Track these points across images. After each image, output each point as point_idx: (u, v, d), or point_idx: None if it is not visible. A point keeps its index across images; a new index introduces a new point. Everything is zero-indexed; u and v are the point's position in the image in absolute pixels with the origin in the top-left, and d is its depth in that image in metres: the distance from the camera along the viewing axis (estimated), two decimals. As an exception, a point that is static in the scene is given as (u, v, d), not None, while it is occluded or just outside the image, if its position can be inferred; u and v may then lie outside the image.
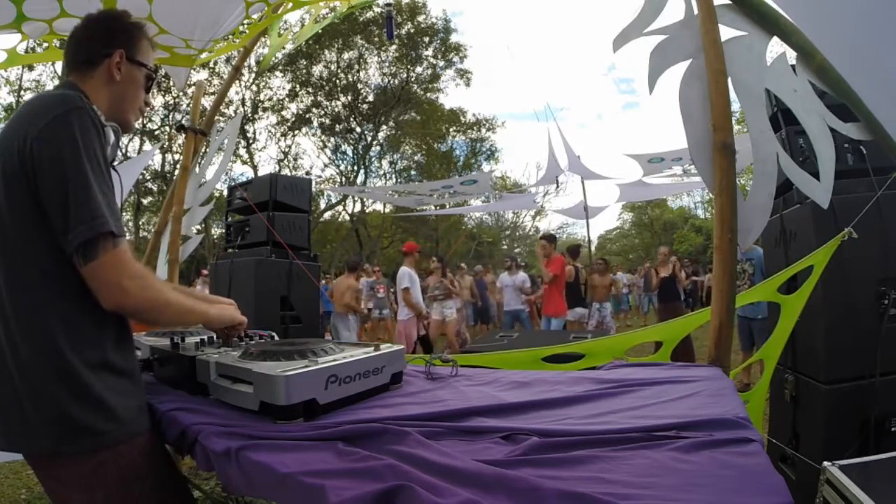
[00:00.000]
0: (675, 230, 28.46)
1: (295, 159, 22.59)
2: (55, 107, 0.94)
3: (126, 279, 0.92)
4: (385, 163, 24.77)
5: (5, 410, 0.92)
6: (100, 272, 0.91)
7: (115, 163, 1.12)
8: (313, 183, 7.22)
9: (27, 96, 15.93)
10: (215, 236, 18.52)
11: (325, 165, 23.50)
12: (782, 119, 2.09)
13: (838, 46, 1.44)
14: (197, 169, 3.30)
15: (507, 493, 0.66)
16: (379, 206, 22.85)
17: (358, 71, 21.69)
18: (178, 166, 7.08)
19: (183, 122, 3.19)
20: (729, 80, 1.49)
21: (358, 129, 22.59)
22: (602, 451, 0.79)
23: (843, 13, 1.36)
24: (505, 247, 29.59)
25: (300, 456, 0.81)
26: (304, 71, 20.94)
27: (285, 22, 4.79)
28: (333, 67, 21.35)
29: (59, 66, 1.21)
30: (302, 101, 21.63)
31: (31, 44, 2.48)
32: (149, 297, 0.96)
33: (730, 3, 1.54)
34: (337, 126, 22.24)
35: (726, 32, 1.52)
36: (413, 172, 24.32)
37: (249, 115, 20.37)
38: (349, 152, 23.51)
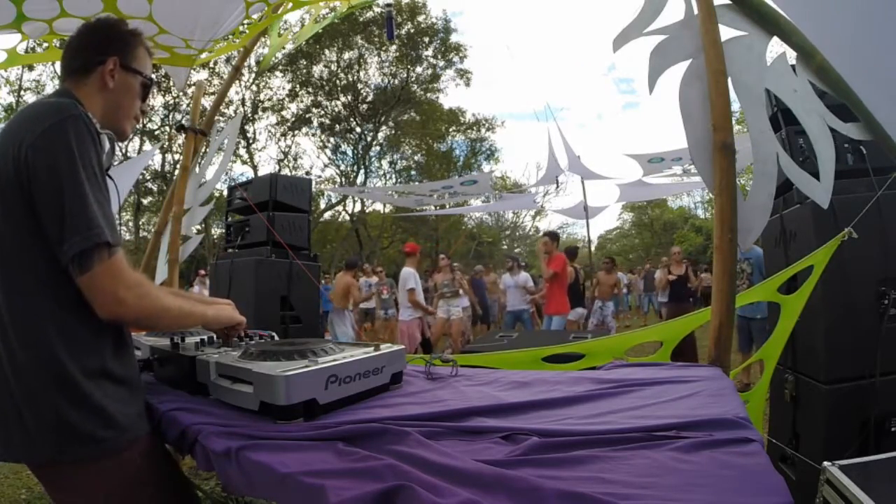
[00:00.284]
0: (675, 230, 28.44)
1: (295, 159, 22.63)
2: (50, 115, 0.93)
3: (122, 289, 0.92)
4: (385, 163, 24.81)
5: (4, 419, 0.91)
6: (95, 283, 0.90)
7: (115, 163, 1.13)
8: (313, 183, 7.23)
9: (27, 96, 15.95)
10: (215, 236, 18.53)
11: (325, 165, 23.55)
12: (782, 119, 2.09)
13: (838, 47, 1.44)
14: (197, 169, 3.30)
15: (507, 493, 0.66)
16: (379, 206, 22.85)
17: (358, 71, 21.70)
18: (178, 166, 7.08)
19: (183, 122, 3.19)
20: (729, 80, 1.49)
21: (358, 129, 22.60)
22: (602, 451, 0.79)
23: (843, 13, 1.36)
24: (505, 247, 29.59)
25: (300, 456, 0.81)
26: (304, 71, 20.94)
27: (285, 22, 4.79)
28: (333, 67, 21.36)
29: (59, 66, 1.21)
30: (302, 101, 21.66)
31: (31, 44, 2.49)
32: (146, 306, 0.96)
33: (730, 3, 1.54)
34: (337, 126, 22.24)
35: (726, 32, 1.52)
36: (413, 172, 24.33)
37: (249, 115, 20.37)
38: (349, 152, 23.55)
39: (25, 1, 1.99)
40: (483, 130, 24.56)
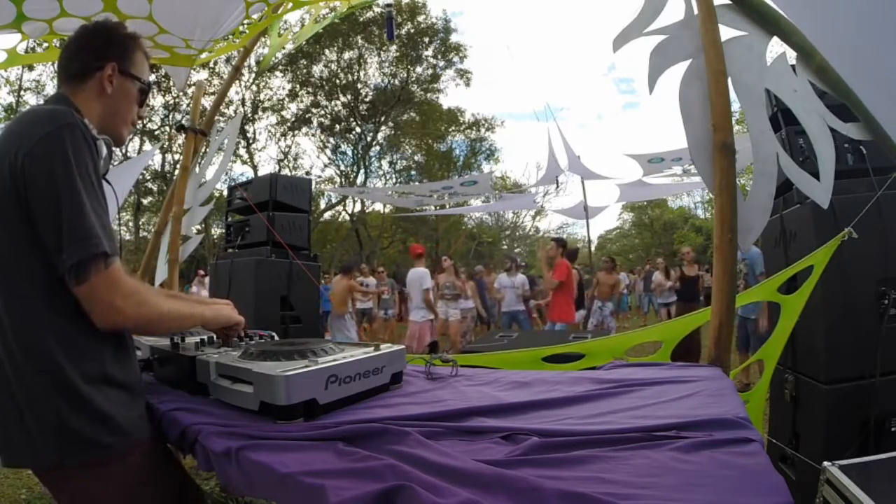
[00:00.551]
0: (675, 230, 28.44)
1: (295, 159, 22.62)
2: (46, 123, 0.93)
3: (119, 299, 0.92)
4: (385, 163, 24.81)
5: (7, 425, 0.91)
6: (92, 293, 0.90)
7: (115, 163, 1.12)
8: (313, 183, 7.25)
9: (27, 96, 15.94)
10: (215, 236, 18.53)
11: (325, 165, 23.54)
12: (782, 119, 2.09)
13: (838, 47, 1.44)
14: (197, 169, 3.30)
15: (507, 493, 0.66)
16: (379, 207, 22.84)
17: (358, 71, 21.70)
18: (178, 166, 7.08)
19: (183, 122, 3.19)
20: (729, 80, 1.49)
21: (358, 129, 22.60)
22: (602, 451, 0.79)
23: (843, 14, 1.36)
24: (505, 247, 29.59)
25: (300, 456, 0.81)
26: (304, 71, 20.94)
27: (285, 22, 4.79)
28: (333, 67, 21.35)
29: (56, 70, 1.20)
30: (302, 101, 21.65)
31: (31, 44, 2.49)
32: (143, 314, 0.96)
33: (730, 3, 1.54)
34: (337, 126, 22.24)
35: (726, 32, 1.52)
36: (413, 172, 24.33)
37: (249, 115, 20.36)
38: (349, 152, 23.55)
39: (25, 1, 1.99)
40: (483, 130, 24.58)
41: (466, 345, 6.49)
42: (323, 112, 22.07)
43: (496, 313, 9.93)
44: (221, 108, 4.20)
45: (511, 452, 0.80)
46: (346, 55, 21.31)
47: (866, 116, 1.54)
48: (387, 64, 21.99)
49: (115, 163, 2.13)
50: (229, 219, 4.47)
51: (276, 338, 1.49)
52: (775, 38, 1.55)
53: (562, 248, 6.11)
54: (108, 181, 1.06)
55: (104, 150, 1.04)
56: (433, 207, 11.81)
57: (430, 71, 22.54)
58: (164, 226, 3.24)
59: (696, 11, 1.54)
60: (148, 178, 19.33)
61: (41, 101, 1.35)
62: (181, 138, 3.60)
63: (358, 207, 23.37)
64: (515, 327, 7.34)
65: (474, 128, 24.42)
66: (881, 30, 1.29)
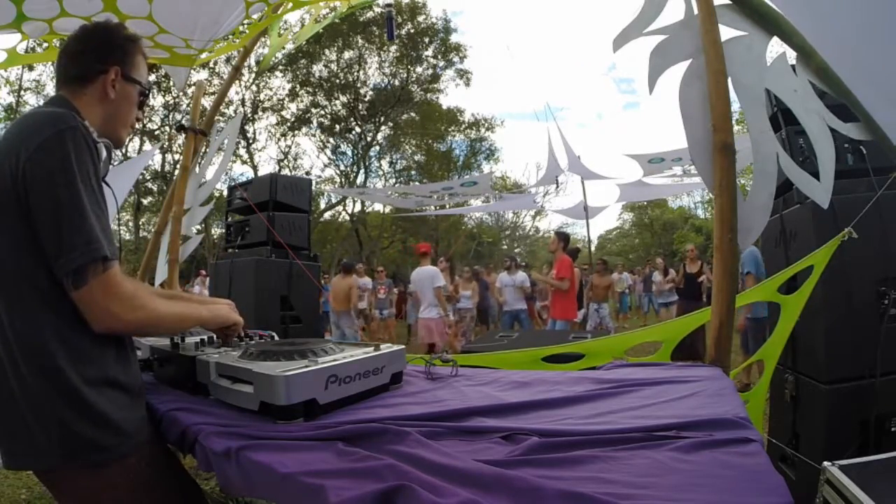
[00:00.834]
0: (675, 230, 28.45)
1: (295, 159, 22.61)
2: (47, 126, 0.92)
3: (115, 304, 0.92)
4: (385, 163, 24.82)
5: (10, 428, 0.92)
6: (89, 297, 0.90)
7: (115, 163, 1.12)
8: (313, 183, 7.26)
9: (27, 96, 15.94)
10: (215, 236, 18.53)
11: (325, 165, 23.54)
12: (782, 119, 2.09)
13: (837, 48, 1.44)
14: (197, 169, 3.30)
15: (507, 493, 0.66)
16: (379, 207, 22.84)
17: (358, 71, 21.70)
18: (178, 166, 7.08)
19: (183, 122, 3.19)
20: (729, 80, 1.49)
21: (358, 129, 22.60)
22: (602, 451, 0.79)
23: (842, 16, 1.35)
24: (505, 247, 29.59)
25: (300, 456, 0.81)
26: (304, 71, 20.94)
27: (285, 22, 4.79)
28: (333, 67, 21.35)
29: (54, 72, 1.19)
30: (302, 101, 21.65)
31: (31, 44, 2.48)
32: (139, 318, 0.96)
33: (730, 3, 1.54)
34: (337, 126, 22.24)
35: (726, 32, 1.52)
36: (413, 172, 24.33)
37: (249, 115, 20.36)
38: (349, 152, 23.55)
39: (25, 1, 1.99)
40: (483, 130, 24.58)
41: (466, 345, 6.48)
42: (323, 112, 22.08)
43: (496, 313, 9.94)
44: (221, 108, 4.20)
45: (511, 452, 0.80)
46: (346, 55, 21.31)
47: (866, 116, 1.54)
48: (387, 64, 21.99)
49: (115, 163, 2.14)
50: (229, 219, 4.47)
51: (276, 338, 1.49)
52: (775, 38, 1.55)
53: (563, 241, 6.04)
54: (107, 184, 1.06)
55: (104, 153, 1.04)
56: (433, 207, 11.81)
57: (430, 71, 22.54)
58: (164, 226, 3.24)
59: (696, 11, 1.54)
60: (148, 178, 19.33)
61: (41, 101, 1.35)
62: (181, 138, 3.60)
63: (358, 207, 23.37)
64: (516, 327, 7.34)
65: (474, 128, 24.43)
66: (881, 32, 1.28)
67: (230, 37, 3.21)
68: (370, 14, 19.13)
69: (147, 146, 18.82)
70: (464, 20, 67.40)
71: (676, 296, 7.73)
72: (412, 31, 21.24)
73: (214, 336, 1.33)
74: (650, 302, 13.35)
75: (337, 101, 22.03)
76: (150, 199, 20.27)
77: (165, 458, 1.09)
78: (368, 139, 22.95)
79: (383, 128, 23.30)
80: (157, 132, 18.90)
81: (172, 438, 1.01)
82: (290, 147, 22.39)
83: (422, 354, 1.57)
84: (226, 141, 3.73)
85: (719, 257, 1.43)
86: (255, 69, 17.89)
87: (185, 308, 1.15)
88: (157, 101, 18.00)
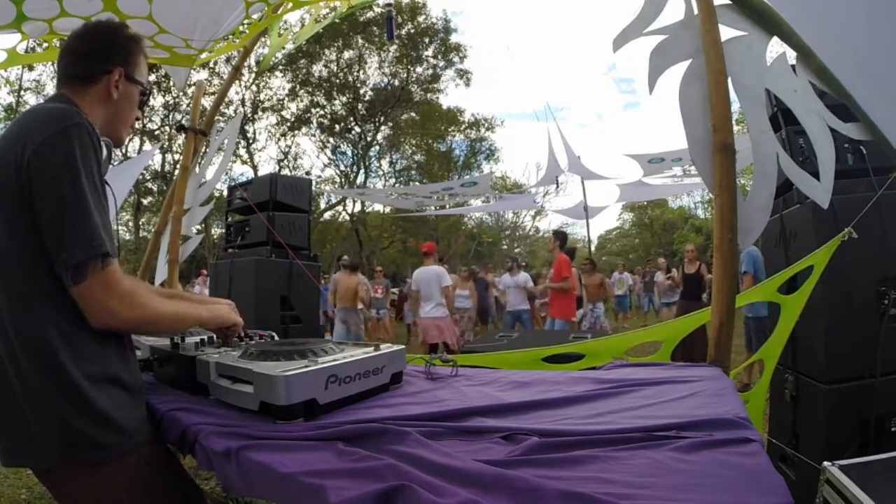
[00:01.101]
0: (675, 230, 28.45)
1: (295, 159, 22.63)
2: (53, 122, 0.92)
3: (114, 300, 0.92)
4: (385, 163, 24.83)
5: (10, 426, 0.91)
6: (88, 293, 0.90)
7: (115, 163, 1.13)
8: (313, 183, 7.28)
9: (27, 96, 15.95)
10: (215, 236, 18.53)
11: (325, 165, 23.57)
12: (782, 119, 2.09)
13: (838, 50, 1.44)
14: (197, 169, 3.30)
15: (507, 493, 0.66)
16: (379, 207, 22.86)
17: (358, 71, 21.71)
18: (178, 166, 7.09)
19: (183, 122, 3.19)
20: (729, 80, 1.49)
21: (357, 129, 22.61)
22: (602, 451, 0.79)
23: (842, 19, 1.35)
24: (505, 247, 29.59)
25: (300, 456, 0.81)
26: (304, 71, 20.95)
27: (285, 22, 4.79)
28: (333, 67, 21.36)
29: (56, 70, 1.19)
30: (302, 101, 21.66)
31: (31, 44, 2.49)
32: (137, 316, 0.96)
33: (730, 3, 1.54)
34: (336, 126, 22.25)
35: (726, 32, 1.52)
36: (413, 172, 24.34)
37: (249, 115, 20.36)
38: (349, 152, 23.57)
39: (25, 1, 1.99)
40: (483, 130, 24.59)
41: (465, 344, 6.48)
42: (322, 112, 22.09)
43: (495, 313, 9.94)
44: (221, 108, 4.20)
45: (511, 452, 0.80)
46: (346, 55, 21.32)
47: (866, 116, 1.54)
48: (387, 64, 22.00)
49: (115, 163, 2.13)
50: (229, 219, 4.47)
51: (276, 338, 1.49)
52: (775, 38, 1.55)
53: (560, 240, 6.02)
54: (106, 183, 1.06)
55: (105, 152, 1.04)
56: (433, 207, 11.82)
57: (430, 71, 22.56)
58: (164, 226, 3.24)
59: (696, 11, 1.54)
60: (148, 178, 19.34)
61: (41, 102, 1.35)
62: (181, 138, 3.60)
63: (358, 207, 23.39)
64: (518, 327, 7.34)
65: (474, 128, 24.45)
66: (880, 35, 1.28)
67: (230, 37, 3.21)
68: (370, 14, 19.14)
69: (147, 146, 18.83)
70: (464, 20, 67.51)
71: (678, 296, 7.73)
72: (412, 31, 21.25)
73: (214, 336, 1.34)
74: (650, 302, 13.36)
75: (337, 101, 22.04)
76: (150, 199, 20.29)
77: (165, 459, 1.09)
78: (368, 139, 22.97)
79: (383, 128, 23.33)
80: (157, 132, 18.91)
81: (172, 438, 1.01)
82: (290, 147, 22.42)
83: (422, 354, 1.57)
84: (226, 141, 3.73)
85: (719, 257, 1.43)
86: (255, 69, 17.89)
87: (185, 307, 1.15)
88: (157, 101, 18.01)
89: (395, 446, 0.83)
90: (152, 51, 2.47)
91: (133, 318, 0.95)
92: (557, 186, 8.62)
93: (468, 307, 7.46)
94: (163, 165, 19.53)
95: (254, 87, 20.60)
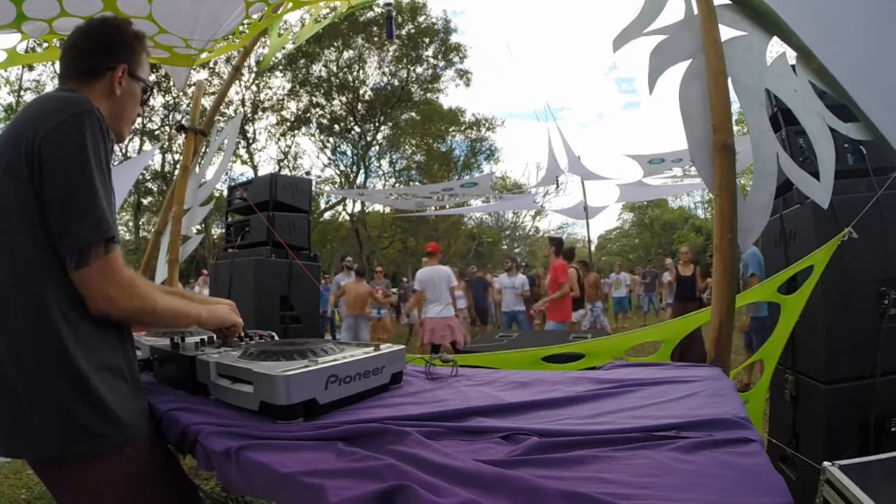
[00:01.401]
0: (675, 230, 28.46)
1: (295, 159, 22.65)
2: (65, 109, 0.93)
3: (113, 288, 0.92)
4: (385, 163, 24.84)
5: (8, 417, 0.91)
6: (88, 279, 0.91)
7: (114, 164, 1.13)
8: (313, 183, 7.30)
9: (27, 96, 15.94)
10: (215, 236, 18.54)
11: (325, 165, 23.59)
12: (782, 119, 2.09)
13: (839, 52, 1.44)
14: (197, 169, 3.30)
15: (507, 493, 0.66)
16: (379, 207, 22.86)
17: (357, 71, 21.71)
18: (178, 166, 7.09)
19: (183, 122, 3.19)
20: (729, 80, 1.49)
21: (357, 129, 22.61)
22: (602, 451, 0.78)
23: (842, 21, 1.35)
24: (505, 247, 29.59)
25: (300, 456, 0.81)
26: (304, 71, 20.95)
27: (285, 22, 4.79)
28: (333, 67, 21.37)
29: (59, 66, 1.21)
30: (301, 101, 21.67)
31: (31, 44, 2.49)
32: (135, 306, 0.96)
33: (730, 3, 1.54)
34: (336, 126, 22.26)
35: (726, 32, 1.52)
36: (413, 172, 24.35)
37: (249, 115, 20.37)
38: (349, 152, 23.58)
39: (25, 1, 1.99)
40: (483, 130, 24.60)
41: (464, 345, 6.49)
42: (322, 112, 22.10)
43: (494, 313, 9.94)
44: (221, 108, 4.20)
45: (511, 452, 0.80)
46: (346, 55, 21.33)
47: (866, 116, 1.53)
48: (386, 64, 22.01)
49: (115, 163, 2.13)
50: (229, 219, 4.48)
51: (276, 338, 1.49)
52: (775, 38, 1.55)
53: (555, 247, 6.03)
54: None
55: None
56: (433, 207, 11.83)
57: (430, 71, 22.57)
58: (164, 226, 3.24)
59: (696, 11, 1.54)
60: (148, 178, 19.34)
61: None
62: (181, 138, 3.60)
63: (358, 207, 23.39)
64: (515, 327, 7.35)
65: (474, 128, 24.47)
66: (881, 37, 1.28)
67: (230, 37, 3.21)
68: (370, 14, 19.15)
69: (147, 146, 18.83)
70: (464, 20, 67.47)
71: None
72: (412, 31, 21.26)
73: (214, 336, 1.34)
74: (650, 302, 13.36)
75: (336, 101, 22.05)
76: (150, 199, 20.30)
77: (165, 457, 1.09)
78: (368, 139, 22.97)
79: (383, 128, 23.33)
80: (157, 132, 18.92)
81: (172, 438, 1.01)
82: (289, 147, 22.44)
83: (422, 354, 1.57)
84: (226, 141, 3.73)
85: (719, 258, 1.43)
86: (255, 69, 17.90)
87: (184, 304, 1.15)
88: (157, 100, 18.01)
89: (395, 446, 0.83)
90: (152, 51, 2.47)
91: (131, 308, 0.96)
92: (557, 186, 8.63)
93: (462, 307, 7.50)
94: (163, 165, 19.56)
95: (254, 87, 20.62)
